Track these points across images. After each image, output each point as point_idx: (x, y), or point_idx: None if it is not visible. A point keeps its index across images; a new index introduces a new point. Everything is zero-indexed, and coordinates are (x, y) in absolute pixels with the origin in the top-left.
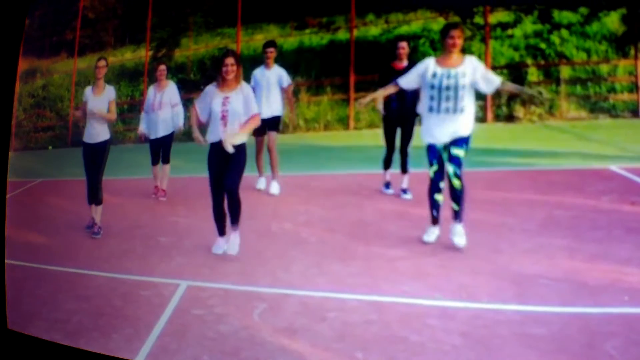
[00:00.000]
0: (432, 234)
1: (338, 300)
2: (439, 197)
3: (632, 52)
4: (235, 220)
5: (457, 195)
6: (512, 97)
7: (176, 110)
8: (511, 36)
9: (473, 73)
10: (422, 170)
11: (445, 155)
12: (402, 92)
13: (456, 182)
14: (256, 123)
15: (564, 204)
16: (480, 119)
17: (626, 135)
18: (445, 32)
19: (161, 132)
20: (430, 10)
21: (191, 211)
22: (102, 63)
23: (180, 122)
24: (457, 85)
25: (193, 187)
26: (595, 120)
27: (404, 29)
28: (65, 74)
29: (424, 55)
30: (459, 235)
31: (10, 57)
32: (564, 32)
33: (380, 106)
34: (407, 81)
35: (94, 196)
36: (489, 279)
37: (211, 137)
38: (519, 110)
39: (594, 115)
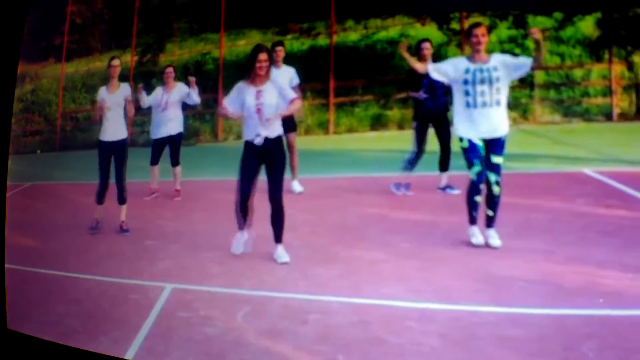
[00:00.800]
0: (478, 235)
1: (320, 302)
2: (478, 198)
3: (606, 56)
4: (280, 236)
5: (495, 202)
6: None
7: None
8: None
9: (503, 66)
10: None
11: (482, 160)
12: (433, 90)
13: (497, 190)
14: (299, 104)
15: (539, 207)
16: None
17: (599, 139)
18: (468, 32)
19: (168, 131)
20: (407, 16)
21: (176, 215)
22: (116, 62)
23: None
24: (491, 79)
25: (184, 192)
26: (569, 124)
27: (382, 35)
28: (53, 78)
29: (402, 61)
30: (495, 238)
31: (9, 60)
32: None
33: (419, 94)
34: (437, 69)
35: (120, 195)
36: (468, 281)
37: (248, 135)
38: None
39: (567, 119)
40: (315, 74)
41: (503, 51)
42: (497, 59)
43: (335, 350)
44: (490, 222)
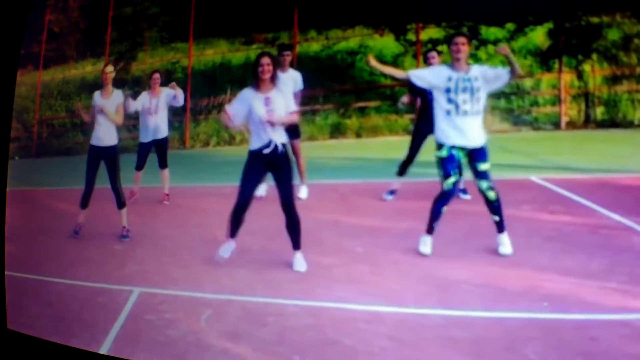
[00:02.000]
0: (428, 245)
1: (277, 305)
2: (445, 209)
3: (557, 65)
4: (298, 242)
5: (495, 207)
6: None
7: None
8: (441, 52)
9: (483, 77)
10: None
11: (460, 170)
12: (428, 103)
13: (492, 195)
14: (295, 117)
15: (485, 213)
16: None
17: (547, 147)
18: (449, 40)
19: (155, 135)
20: (366, 27)
21: (143, 220)
22: (110, 69)
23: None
24: (473, 88)
25: (147, 197)
26: (518, 132)
27: (343, 45)
28: (31, 86)
29: (361, 71)
30: (506, 245)
31: (9, 63)
32: (491, 48)
33: (404, 99)
34: (417, 76)
35: (118, 199)
36: (415, 285)
37: (256, 143)
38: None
39: (516, 127)
40: None
41: None
42: (478, 70)
43: (291, 351)
44: (499, 227)
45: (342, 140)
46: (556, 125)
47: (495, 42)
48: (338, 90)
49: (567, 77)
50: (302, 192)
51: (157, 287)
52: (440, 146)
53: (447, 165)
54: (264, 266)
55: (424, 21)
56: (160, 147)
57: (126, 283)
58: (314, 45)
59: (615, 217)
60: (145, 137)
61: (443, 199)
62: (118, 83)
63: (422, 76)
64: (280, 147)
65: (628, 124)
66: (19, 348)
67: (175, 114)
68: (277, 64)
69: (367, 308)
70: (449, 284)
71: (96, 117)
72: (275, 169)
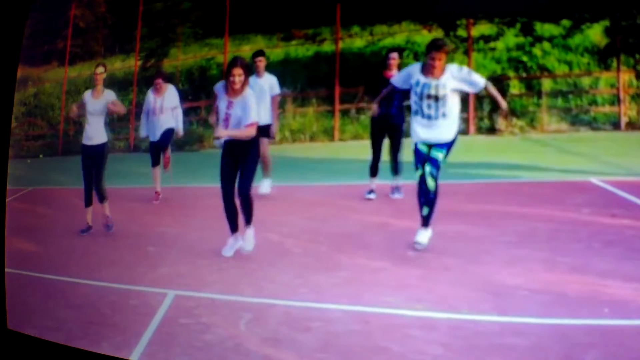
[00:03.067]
0: (426, 236)
1: (321, 310)
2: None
3: (614, 64)
4: (249, 220)
5: (429, 198)
6: (494, 110)
7: (176, 113)
8: (493, 49)
9: (453, 81)
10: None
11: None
12: (388, 99)
13: (430, 182)
14: (250, 132)
15: (544, 216)
16: (463, 131)
17: (607, 148)
18: (427, 51)
19: (161, 135)
20: (414, 22)
21: (178, 221)
22: (100, 70)
23: (180, 125)
24: (438, 96)
25: (180, 197)
26: (576, 132)
27: (389, 41)
28: (56, 82)
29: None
30: (423, 236)
31: (9, 64)
32: (546, 45)
33: (374, 107)
34: (397, 80)
35: (99, 194)
36: (470, 290)
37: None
38: (501, 123)
39: (574, 127)
40: (320, 81)
41: (510, 59)
42: (450, 74)
43: (336, 358)
44: (424, 221)
45: (388, 139)
46: (615, 125)
47: (551, 39)
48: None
49: (626, 77)
50: (263, 187)
51: (193, 290)
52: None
53: (414, 159)
54: (306, 269)
55: (475, 17)
56: (164, 143)
57: (159, 285)
58: (357, 42)
59: None
60: (153, 136)
61: (419, 192)
62: (149, 80)
63: (400, 80)
64: (232, 140)
65: None
66: (19, 348)
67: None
68: (250, 72)
69: (418, 314)
70: (504, 290)
71: (86, 116)
72: (240, 159)
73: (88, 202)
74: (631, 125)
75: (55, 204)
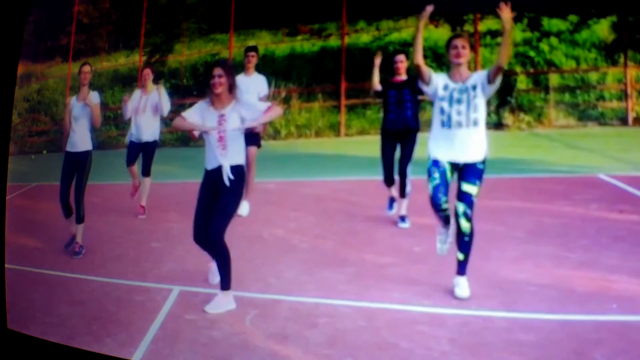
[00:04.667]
0: (444, 239)
1: (329, 306)
2: (446, 207)
3: (622, 60)
4: (225, 283)
5: (464, 241)
6: (501, 105)
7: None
8: (500, 44)
9: (481, 83)
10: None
11: (448, 177)
12: (401, 101)
13: (464, 225)
14: (277, 112)
15: (552, 211)
16: None
17: (615, 144)
18: (448, 44)
19: (144, 137)
20: None
21: (183, 217)
22: (87, 68)
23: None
24: (469, 99)
25: (185, 193)
26: (584, 128)
27: (395, 36)
28: (59, 78)
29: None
30: (462, 287)
31: (9, 61)
32: (553, 40)
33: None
34: (425, 72)
35: (77, 212)
36: (478, 286)
37: (208, 165)
38: (508, 118)
39: (582, 123)
40: (326, 76)
41: (517, 54)
42: (478, 77)
43: (344, 354)
44: (460, 267)
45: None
46: (623, 121)
47: (558, 34)
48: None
49: (633, 72)
50: (242, 209)
51: (199, 286)
52: (430, 157)
53: (431, 167)
54: (313, 266)
55: (481, 11)
56: (146, 151)
57: (165, 281)
58: (363, 37)
59: None
60: (133, 136)
61: (432, 204)
62: (154, 75)
63: (429, 74)
64: (228, 176)
65: None
66: (19, 348)
67: None
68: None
69: (426, 310)
70: (513, 286)
71: (71, 122)
72: (221, 194)
73: (68, 213)
74: (639, 121)
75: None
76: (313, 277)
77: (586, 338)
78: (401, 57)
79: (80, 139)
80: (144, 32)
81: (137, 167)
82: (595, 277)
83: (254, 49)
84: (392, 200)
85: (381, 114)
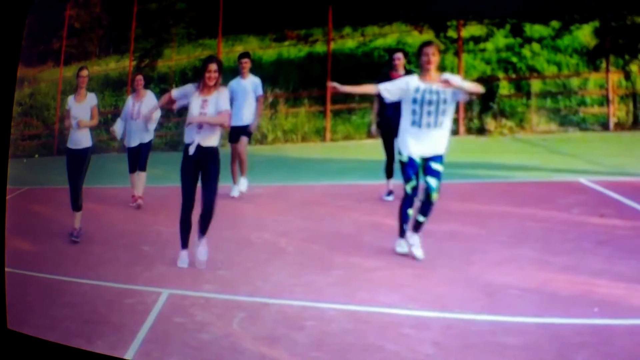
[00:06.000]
0: (403, 245)
1: (316, 309)
2: (411, 212)
3: (604, 65)
4: (205, 231)
5: (428, 208)
6: (484, 110)
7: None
8: (483, 50)
9: (450, 88)
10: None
11: (421, 171)
12: (384, 105)
13: (435, 196)
14: (225, 119)
15: (534, 216)
16: (453, 131)
17: (596, 149)
18: (419, 50)
19: (139, 140)
20: (405, 24)
21: (173, 220)
22: (85, 72)
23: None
24: (439, 100)
25: (175, 197)
26: (565, 133)
27: (380, 42)
28: (51, 82)
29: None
30: (418, 247)
31: (9, 64)
32: (535, 46)
33: (373, 123)
34: (388, 90)
35: (74, 202)
36: (462, 290)
37: (186, 139)
38: (490, 124)
39: (563, 128)
40: (312, 81)
41: (500, 60)
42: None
43: (330, 357)
44: (418, 227)
45: (379, 139)
46: (604, 126)
47: (540, 40)
48: None
49: (615, 77)
50: (241, 185)
51: (188, 289)
52: (400, 152)
53: (407, 169)
54: (301, 269)
55: (465, 18)
56: (143, 150)
57: (155, 284)
58: (349, 42)
59: None
60: (131, 142)
61: (406, 202)
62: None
63: (392, 89)
64: (200, 148)
65: None
66: (19, 348)
67: None
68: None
69: (412, 313)
70: (497, 289)
71: (71, 121)
72: (202, 168)
73: (78, 207)
74: (620, 126)
75: (51, 203)
76: (300, 281)
77: (569, 341)
78: (399, 55)
79: (81, 137)
80: (134, 36)
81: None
82: (578, 281)
83: (247, 55)
84: (390, 192)
85: (366, 119)
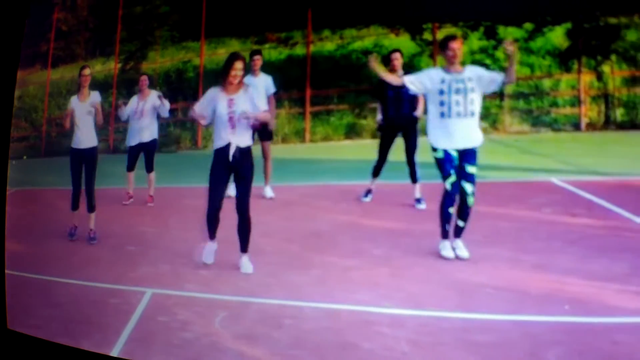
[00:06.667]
0: (449, 248)
1: (294, 307)
2: (452, 210)
3: (575, 66)
4: (246, 246)
5: (467, 213)
6: None
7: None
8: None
9: (477, 78)
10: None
11: (457, 171)
12: (398, 98)
13: (471, 201)
14: (267, 116)
15: (507, 215)
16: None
17: (567, 149)
18: (444, 44)
19: (142, 138)
20: (382, 26)
21: (157, 221)
22: (87, 71)
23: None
24: (466, 89)
25: (158, 198)
26: (538, 134)
27: (358, 45)
28: (39, 85)
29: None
30: (463, 249)
31: (8, 65)
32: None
33: (379, 117)
34: (412, 82)
35: (89, 202)
36: (436, 288)
37: (218, 143)
38: None
39: (536, 129)
40: (292, 83)
41: (474, 62)
42: (472, 71)
43: (309, 355)
44: (459, 232)
45: (357, 140)
46: (576, 126)
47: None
48: (353, 90)
49: (587, 78)
50: (267, 192)
51: (172, 289)
52: (435, 149)
53: (445, 165)
54: (280, 268)
55: (440, 20)
56: (147, 150)
57: (139, 284)
58: (328, 45)
59: (637, 219)
60: (132, 140)
61: (447, 200)
62: (128, 83)
63: (418, 82)
64: (238, 150)
65: None
66: (19, 348)
67: (187, 114)
68: (255, 66)
69: (387, 311)
70: (470, 287)
71: (75, 120)
72: (236, 169)
73: (75, 206)
74: (592, 126)
75: (39, 204)
76: (279, 280)
77: (541, 339)
78: (397, 55)
79: (86, 136)
80: (119, 39)
81: (133, 177)
82: (549, 280)
83: (259, 52)
84: (368, 191)
85: (344, 121)
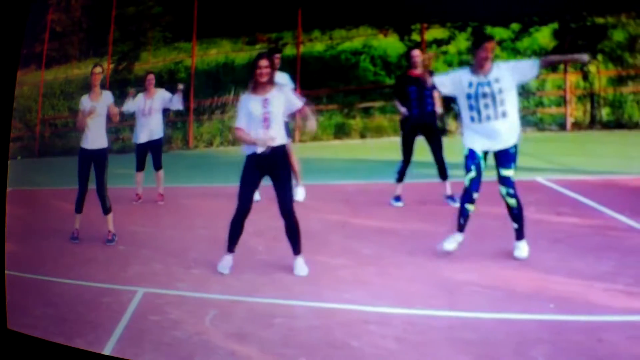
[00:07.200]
0: (455, 241)
1: (284, 306)
2: (470, 207)
3: (562, 66)
4: (298, 248)
5: (514, 214)
6: (445, 111)
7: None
8: (445, 52)
9: (509, 73)
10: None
11: (483, 167)
12: (421, 95)
13: (512, 201)
14: (308, 111)
15: (494, 214)
16: None
17: (553, 148)
18: (478, 44)
19: (149, 136)
20: (371, 27)
21: (149, 221)
22: (98, 70)
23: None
24: (493, 91)
25: (149, 197)
26: (523, 133)
27: (347, 45)
28: (33, 85)
29: (365, 72)
30: (520, 249)
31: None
32: (496, 48)
33: (402, 109)
34: (441, 82)
35: (103, 204)
36: (424, 287)
37: (251, 146)
38: (452, 124)
39: (522, 128)
40: None
41: (461, 62)
42: (500, 68)
43: (298, 353)
44: (517, 234)
45: (346, 140)
46: (562, 126)
47: (500, 43)
48: (342, 91)
49: (573, 78)
50: (298, 194)
51: (163, 288)
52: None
53: (467, 161)
54: (270, 267)
55: (428, 21)
56: (154, 148)
57: (131, 283)
58: (317, 45)
59: (622, 218)
60: (140, 139)
61: (465, 195)
62: (121, 83)
63: (445, 84)
64: (275, 148)
65: (633, 125)
66: (19, 348)
67: (179, 114)
68: (274, 65)
69: (375, 310)
70: (457, 286)
71: (85, 120)
72: (272, 171)
73: (79, 209)
74: (577, 126)
75: (33, 204)
76: (269, 279)
77: (526, 337)
78: (416, 52)
79: (96, 137)
80: (112, 40)
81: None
82: (535, 278)
83: (279, 51)
84: (398, 197)
85: (333, 121)
